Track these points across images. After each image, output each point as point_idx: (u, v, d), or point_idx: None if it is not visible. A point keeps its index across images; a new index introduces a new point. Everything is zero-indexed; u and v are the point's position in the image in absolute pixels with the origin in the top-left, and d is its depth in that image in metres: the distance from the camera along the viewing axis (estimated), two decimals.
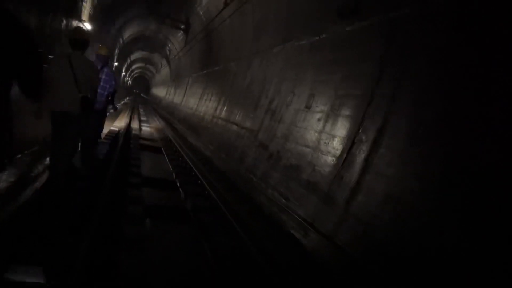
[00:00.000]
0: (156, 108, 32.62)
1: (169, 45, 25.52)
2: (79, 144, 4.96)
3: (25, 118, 3.72)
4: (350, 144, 4.29)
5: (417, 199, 3.12)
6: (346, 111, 4.68)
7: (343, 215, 3.86)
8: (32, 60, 2.12)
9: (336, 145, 4.57)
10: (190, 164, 7.65)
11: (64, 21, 7.68)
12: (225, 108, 10.77)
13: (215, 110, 11.81)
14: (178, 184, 6.03)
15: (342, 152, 4.40)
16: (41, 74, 2.27)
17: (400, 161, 3.52)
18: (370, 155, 3.90)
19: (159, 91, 39.97)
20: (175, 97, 24.42)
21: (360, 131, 4.21)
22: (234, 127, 9.10)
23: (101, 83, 5.49)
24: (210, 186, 6.19)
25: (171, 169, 7.12)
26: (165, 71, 34.55)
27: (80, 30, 4.44)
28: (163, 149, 8.77)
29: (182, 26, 18.26)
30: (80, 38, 4.00)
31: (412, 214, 3.12)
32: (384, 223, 3.33)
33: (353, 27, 5.01)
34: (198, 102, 15.40)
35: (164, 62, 32.43)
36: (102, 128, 6.62)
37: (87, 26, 9.78)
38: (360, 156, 4.04)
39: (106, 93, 5.74)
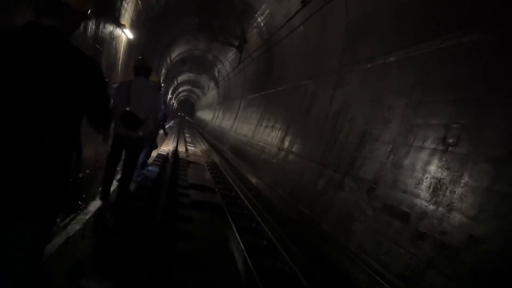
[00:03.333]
0: (201, 132, 30.78)
1: (218, 66, 23.64)
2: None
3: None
4: None
5: None
6: None
7: None
8: (101, 92, 1.89)
9: None
10: (283, 254, 4.48)
11: (93, 21, 5.51)
12: (298, 140, 8.15)
13: (282, 140, 9.23)
14: None
15: None
16: (109, 105, 2.04)
17: None
18: None
19: (205, 115, 38.40)
20: (224, 122, 22.23)
21: None
22: (316, 167, 6.44)
23: None
24: None
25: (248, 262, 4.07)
26: (212, 93, 32.91)
27: (143, 58, 4.98)
28: (224, 207, 6.09)
29: (236, 43, 16.12)
30: (142, 65, 4.62)
31: None
32: None
33: None
34: (255, 129, 12.93)
35: (211, 84, 30.81)
36: (150, 153, 6.76)
37: (128, 33, 7.68)
38: None
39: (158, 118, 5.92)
